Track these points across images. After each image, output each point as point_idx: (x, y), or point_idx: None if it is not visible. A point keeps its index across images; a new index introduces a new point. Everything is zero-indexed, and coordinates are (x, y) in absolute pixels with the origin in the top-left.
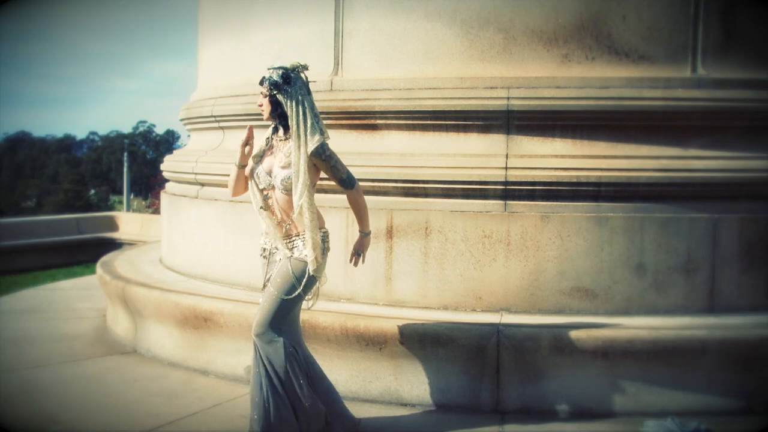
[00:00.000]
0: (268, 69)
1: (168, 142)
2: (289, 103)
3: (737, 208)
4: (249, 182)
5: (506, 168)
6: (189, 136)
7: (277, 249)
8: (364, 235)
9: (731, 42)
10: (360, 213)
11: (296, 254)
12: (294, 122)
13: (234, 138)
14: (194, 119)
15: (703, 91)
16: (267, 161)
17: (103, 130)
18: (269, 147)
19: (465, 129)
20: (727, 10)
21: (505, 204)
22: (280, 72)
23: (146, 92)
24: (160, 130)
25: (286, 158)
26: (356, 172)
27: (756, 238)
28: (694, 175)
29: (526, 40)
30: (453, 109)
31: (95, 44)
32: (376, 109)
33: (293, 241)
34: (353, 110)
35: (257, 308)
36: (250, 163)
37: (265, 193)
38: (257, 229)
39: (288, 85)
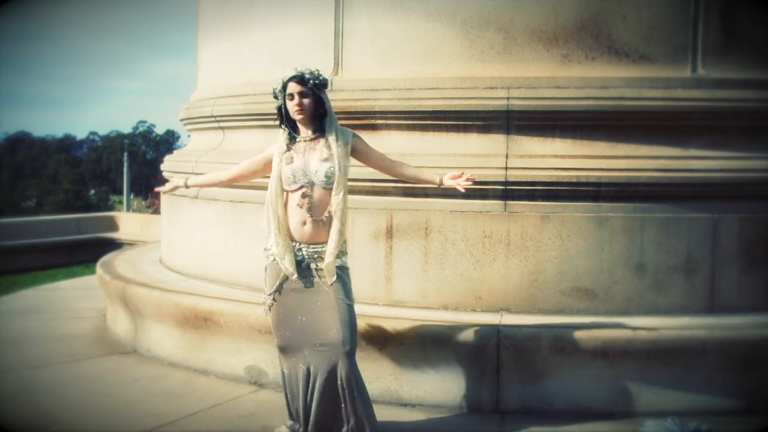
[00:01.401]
0: (298, 69)
1: (168, 142)
2: (327, 104)
3: (737, 208)
4: (272, 182)
5: (506, 168)
6: (189, 136)
7: (309, 255)
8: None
9: (731, 42)
10: (421, 172)
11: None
12: (331, 119)
13: (234, 138)
14: (194, 119)
15: (703, 91)
16: (300, 160)
17: (103, 130)
18: (295, 149)
19: (465, 129)
20: (727, 10)
21: (505, 204)
22: (319, 74)
23: (146, 92)
24: (160, 130)
25: (328, 151)
26: (356, 172)
27: (756, 238)
28: (694, 175)
29: (526, 40)
30: (453, 109)
31: (95, 44)
32: (376, 109)
33: (323, 246)
34: (353, 110)
35: (313, 322)
36: (278, 164)
37: (303, 190)
38: (257, 229)
39: (325, 87)
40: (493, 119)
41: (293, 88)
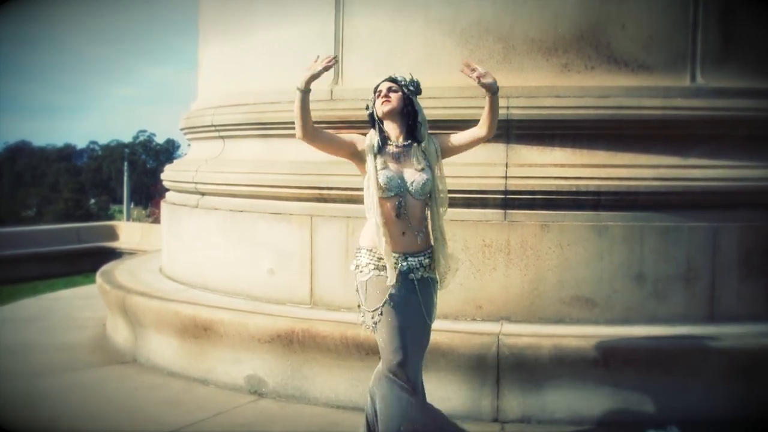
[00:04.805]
0: (396, 74)
1: (168, 152)
2: (419, 110)
3: (736, 217)
4: (370, 188)
5: (506, 177)
6: (189, 145)
7: (411, 266)
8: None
9: (730, 51)
10: (483, 112)
11: (430, 273)
12: (423, 128)
13: (234, 147)
14: (194, 128)
15: (702, 100)
16: (394, 167)
17: (103, 139)
18: (386, 152)
19: None
20: (726, 20)
21: (505, 213)
22: (412, 79)
23: (146, 100)
24: (160, 139)
25: (424, 161)
26: (356, 181)
27: (755, 246)
28: (693, 183)
29: (525, 49)
30: (453, 118)
31: (95, 50)
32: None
33: (424, 255)
34: (353, 119)
35: (396, 341)
36: (375, 167)
37: (398, 200)
38: (257, 239)
39: (417, 91)
40: None
41: (383, 86)
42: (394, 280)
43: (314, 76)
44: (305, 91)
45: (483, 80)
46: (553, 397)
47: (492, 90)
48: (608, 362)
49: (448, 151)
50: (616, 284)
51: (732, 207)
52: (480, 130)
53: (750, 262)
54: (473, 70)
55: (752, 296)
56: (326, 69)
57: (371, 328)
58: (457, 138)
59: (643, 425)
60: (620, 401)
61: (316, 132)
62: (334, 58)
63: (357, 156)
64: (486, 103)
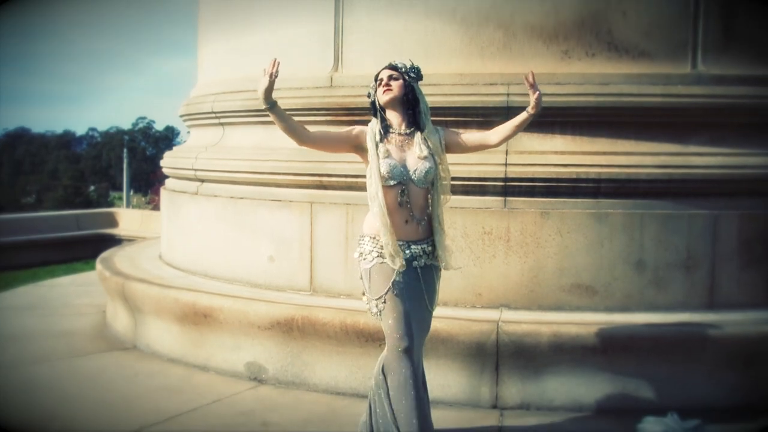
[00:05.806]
0: (397, 61)
1: (167, 139)
2: (420, 97)
3: (736, 205)
4: (372, 177)
5: (506, 164)
6: (189, 132)
7: (414, 253)
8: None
9: (731, 38)
10: (511, 123)
11: (433, 260)
12: (424, 115)
13: (234, 134)
14: (194, 115)
15: (703, 87)
16: (397, 155)
17: (102, 127)
18: (389, 140)
19: (465, 125)
20: (727, 7)
21: (505, 200)
22: (413, 65)
23: (146, 89)
24: (159, 126)
25: (427, 149)
26: (355, 168)
27: (755, 234)
28: (693, 171)
29: (525, 36)
30: (453, 105)
31: (94, 41)
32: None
33: (427, 243)
34: (353, 106)
35: (406, 324)
36: (378, 156)
37: (402, 188)
38: (257, 226)
39: (418, 77)
40: (493, 115)
41: (384, 74)
42: (404, 266)
43: (268, 90)
44: (269, 108)
45: (537, 99)
46: (553, 384)
47: (537, 108)
48: (607, 350)
49: (453, 147)
50: (616, 272)
51: (732, 194)
52: (492, 137)
53: (750, 250)
54: (533, 85)
55: (752, 284)
56: (273, 77)
57: (376, 314)
58: (467, 137)
59: (643, 412)
60: (619, 388)
61: (313, 136)
62: (275, 60)
63: (360, 147)
64: (519, 117)
